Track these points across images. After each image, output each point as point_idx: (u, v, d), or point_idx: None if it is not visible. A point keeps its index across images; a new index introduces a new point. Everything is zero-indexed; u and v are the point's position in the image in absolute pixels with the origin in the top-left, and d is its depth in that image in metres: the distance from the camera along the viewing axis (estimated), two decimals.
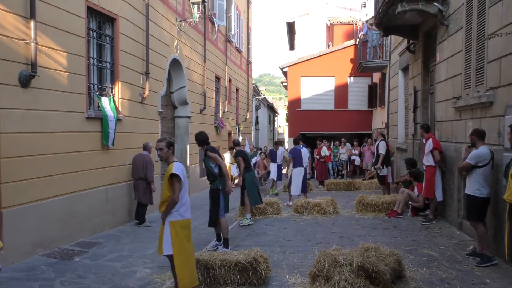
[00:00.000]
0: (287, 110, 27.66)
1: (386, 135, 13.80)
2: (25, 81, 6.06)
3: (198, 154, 14.02)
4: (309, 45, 25.33)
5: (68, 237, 7.05)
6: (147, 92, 9.86)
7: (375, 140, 14.70)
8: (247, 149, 15.71)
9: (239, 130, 20.08)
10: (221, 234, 6.68)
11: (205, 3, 13.86)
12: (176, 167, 4.39)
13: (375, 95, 19.67)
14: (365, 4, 22.82)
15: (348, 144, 18.05)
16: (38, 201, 6.39)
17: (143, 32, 9.86)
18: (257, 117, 28.02)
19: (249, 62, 23.81)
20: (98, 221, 7.93)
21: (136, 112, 9.54)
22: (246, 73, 23.20)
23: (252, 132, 25.24)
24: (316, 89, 21.45)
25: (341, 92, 21.24)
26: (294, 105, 21.90)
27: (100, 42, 8.41)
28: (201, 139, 6.64)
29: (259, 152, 16.19)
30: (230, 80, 18.79)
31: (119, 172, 8.64)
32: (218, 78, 16.93)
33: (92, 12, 7.96)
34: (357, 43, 19.99)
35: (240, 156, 8.56)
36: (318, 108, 21.36)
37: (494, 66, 5.89)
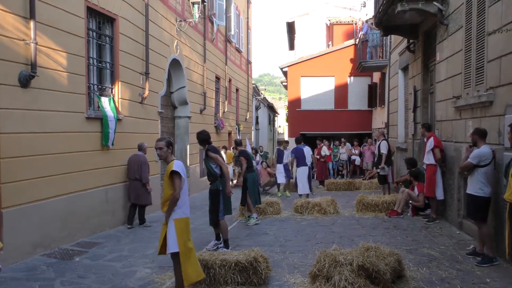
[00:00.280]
0: (287, 110, 27.67)
1: (386, 135, 13.79)
2: (25, 81, 6.06)
3: (198, 154, 14.02)
4: (309, 45, 25.35)
5: (68, 237, 7.05)
6: (147, 92, 9.86)
7: (375, 140, 14.72)
8: (248, 149, 15.65)
9: (239, 130, 20.08)
10: (222, 235, 6.66)
11: (204, 3, 13.86)
12: (176, 165, 4.41)
13: (375, 95, 19.67)
14: (365, 3, 22.84)
15: (348, 144, 18.06)
16: (38, 201, 6.39)
17: (143, 32, 9.86)
18: (257, 117, 28.01)
19: (249, 62, 23.82)
20: (98, 221, 7.93)
21: (136, 112, 9.54)
22: (246, 73, 23.20)
23: (252, 132, 25.23)
24: (316, 89, 21.46)
25: (341, 92, 21.25)
26: (294, 105, 21.91)
27: (100, 42, 8.41)
28: (203, 138, 6.60)
29: (259, 160, 15.18)
30: (230, 80, 18.79)
31: (119, 172, 8.63)
32: (218, 78, 16.93)
33: (92, 12, 7.96)
34: (357, 43, 20.00)
35: (243, 156, 8.53)
36: (318, 108, 21.37)
37: (494, 66, 5.89)
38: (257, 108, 27.61)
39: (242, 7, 21.52)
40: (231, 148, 16.59)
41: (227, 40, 18.35)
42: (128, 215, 8.61)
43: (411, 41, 10.77)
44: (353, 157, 17.49)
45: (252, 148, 16.19)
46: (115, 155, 8.47)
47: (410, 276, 5.02)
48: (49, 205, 6.61)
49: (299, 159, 11.00)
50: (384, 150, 10.63)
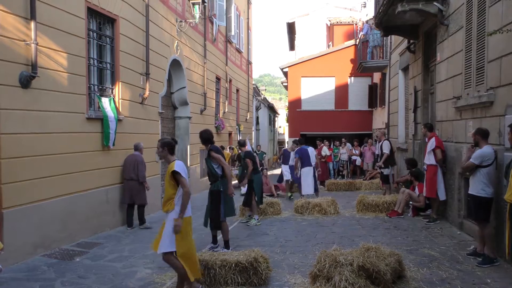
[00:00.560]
0: (287, 110, 27.65)
1: (386, 135, 13.79)
2: (26, 81, 6.07)
3: (198, 154, 14.03)
4: (309, 46, 25.34)
5: (68, 238, 7.05)
6: (147, 92, 9.87)
7: (376, 140, 14.72)
8: (249, 148, 15.50)
9: (239, 131, 20.09)
10: (222, 236, 6.64)
11: (205, 4, 13.87)
12: (176, 165, 4.44)
13: (375, 95, 19.67)
14: (365, 4, 22.83)
15: (348, 144, 18.05)
16: (39, 201, 6.39)
17: (143, 33, 9.87)
18: (257, 118, 28.02)
19: (249, 63, 23.83)
20: (99, 222, 7.93)
21: (137, 112, 9.55)
22: (246, 73, 23.21)
23: (253, 132, 25.24)
24: (316, 89, 21.46)
25: (341, 92, 21.24)
26: (294, 105, 21.91)
27: (100, 43, 8.41)
28: (206, 137, 6.56)
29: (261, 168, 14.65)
30: (230, 81, 18.79)
31: (119, 173, 8.63)
32: (218, 79, 16.94)
33: (92, 13, 7.96)
34: (357, 43, 20.00)
35: (248, 158, 8.47)
36: (319, 108, 21.37)
37: (494, 66, 5.89)
38: (257, 109, 27.62)
39: (242, 7, 21.53)
40: (228, 148, 16.58)
41: (228, 41, 18.36)
42: (127, 217, 8.55)
43: (411, 41, 10.77)
44: (353, 157, 17.48)
45: None
46: (115, 156, 8.47)
47: (411, 276, 5.01)
48: (50, 206, 6.61)
49: (304, 159, 10.99)
50: (386, 150, 10.64)
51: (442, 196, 7.87)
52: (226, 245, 6.53)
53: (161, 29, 10.95)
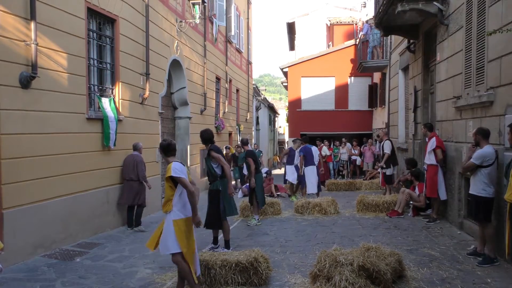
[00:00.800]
0: (287, 110, 27.66)
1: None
2: (26, 82, 6.07)
3: (198, 154, 14.03)
4: (309, 46, 25.35)
5: (69, 238, 7.05)
6: (147, 93, 9.87)
7: (376, 141, 14.72)
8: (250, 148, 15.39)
9: (239, 131, 20.09)
10: (223, 236, 6.64)
11: (205, 4, 13.87)
12: (173, 169, 4.44)
13: (375, 95, 19.67)
14: (365, 4, 22.83)
15: (348, 144, 18.06)
16: (39, 202, 6.39)
17: (143, 33, 9.87)
18: (257, 118, 28.02)
19: (249, 63, 23.83)
20: (99, 222, 7.93)
21: (137, 113, 9.55)
22: (246, 73, 23.21)
23: (253, 132, 25.24)
24: (316, 89, 21.47)
25: (341, 92, 21.25)
26: (294, 105, 21.91)
27: (100, 43, 8.41)
28: (207, 137, 6.56)
29: (264, 171, 13.52)
30: (230, 81, 18.80)
31: (119, 173, 8.63)
32: (218, 79, 16.94)
33: (92, 13, 7.96)
34: (357, 43, 20.00)
35: (250, 157, 8.43)
36: (319, 108, 21.37)
37: (494, 66, 5.89)
38: (257, 109, 27.63)
39: (242, 7, 21.53)
40: (224, 147, 16.52)
41: (227, 41, 18.36)
42: (127, 217, 8.51)
43: (411, 41, 10.77)
44: (353, 157, 17.48)
45: (238, 146, 15.56)
46: (115, 156, 8.47)
47: (411, 276, 5.02)
48: (50, 206, 6.62)
49: (308, 158, 10.97)
50: (387, 150, 10.63)
51: (443, 196, 7.87)
52: (227, 245, 6.53)
53: (161, 29, 10.95)
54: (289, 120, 22.98)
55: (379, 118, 18.47)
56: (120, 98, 8.79)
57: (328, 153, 16.54)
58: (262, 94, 30.77)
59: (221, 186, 6.53)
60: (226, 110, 17.78)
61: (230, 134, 18.68)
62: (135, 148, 8.73)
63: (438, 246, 6.38)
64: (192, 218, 4.52)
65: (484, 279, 4.95)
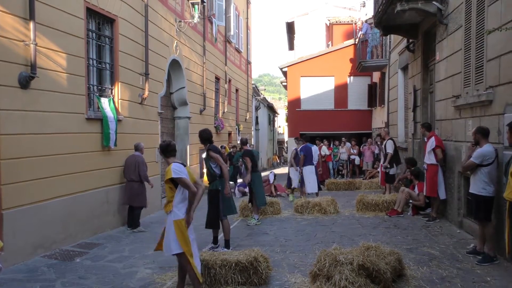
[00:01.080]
0: (287, 110, 27.67)
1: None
2: (25, 82, 6.07)
3: (198, 155, 14.02)
4: (309, 45, 25.35)
5: (69, 238, 7.05)
6: (146, 93, 9.87)
7: (376, 141, 14.70)
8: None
9: (239, 131, 20.09)
10: (223, 235, 6.64)
11: (204, 4, 13.87)
12: (173, 170, 4.42)
13: (374, 95, 19.67)
14: (365, 3, 22.84)
15: (348, 144, 18.06)
16: (39, 202, 6.39)
17: (143, 33, 9.87)
18: (257, 118, 28.03)
19: (248, 62, 23.83)
20: (99, 222, 7.93)
21: (136, 113, 9.55)
22: (246, 73, 23.21)
23: (252, 132, 25.25)
24: (315, 89, 21.46)
25: (340, 91, 21.24)
26: (294, 105, 21.90)
27: (100, 43, 8.41)
28: (205, 137, 6.57)
29: (271, 176, 13.25)
30: (229, 81, 18.79)
31: (119, 173, 8.63)
32: (217, 79, 16.94)
33: (91, 13, 7.96)
34: (356, 42, 20.00)
35: (247, 156, 8.46)
36: (318, 108, 21.37)
37: (493, 65, 5.90)
38: (257, 109, 27.63)
39: (241, 7, 21.53)
40: (219, 146, 16.49)
41: (227, 41, 18.36)
42: (128, 218, 8.50)
43: (410, 40, 10.78)
44: (352, 156, 17.49)
45: (233, 147, 15.54)
46: (115, 156, 8.47)
47: (411, 275, 5.02)
48: (50, 206, 6.61)
49: (307, 157, 10.98)
50: (390, 150, 10.64)
51: (442, 195, 7.88)
52: (227, 245, 6.54)
53: (160, 29, 10.95)
54: (289, 119, 22.97)
55: (379, 118, 18.47)
56: (119, 98, 8.79)
57: (327, 152, 16.54)
58: (261, 93, 30.77)
59: (221, 186, 6.55)
60: (226, 110, 17.78)
61: (229, 134, 18.68)
62: (137, 148, 8.72)
63: (438, 245, 6.39)
64: (185, 216, 4.48)
65: (483, 277, 4.95)
